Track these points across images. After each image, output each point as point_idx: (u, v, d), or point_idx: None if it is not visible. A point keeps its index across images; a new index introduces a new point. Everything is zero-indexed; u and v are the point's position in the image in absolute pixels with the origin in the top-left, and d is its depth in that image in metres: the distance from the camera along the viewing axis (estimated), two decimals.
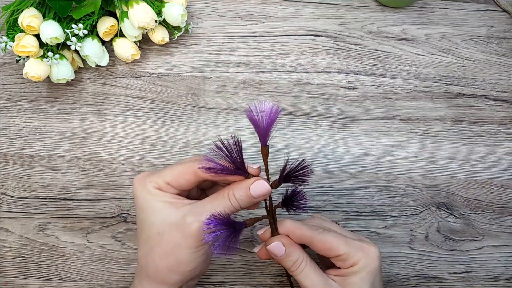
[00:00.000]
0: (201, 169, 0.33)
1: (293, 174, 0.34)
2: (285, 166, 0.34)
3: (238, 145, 0.32)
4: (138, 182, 0.35)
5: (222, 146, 0.32)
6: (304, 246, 0.37)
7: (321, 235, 0.35)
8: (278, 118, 0.32)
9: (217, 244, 0.31)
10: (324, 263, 0.40)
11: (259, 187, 0.33)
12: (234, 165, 0.32)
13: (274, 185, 0.34)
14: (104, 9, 0.47)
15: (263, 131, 0.32)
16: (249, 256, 0.47)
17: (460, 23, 0.53)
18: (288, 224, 0.36)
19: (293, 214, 0.35)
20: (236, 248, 0.32)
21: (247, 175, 0.33)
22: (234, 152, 0.32)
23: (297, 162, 0.33)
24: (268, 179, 0.34)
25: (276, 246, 0.35)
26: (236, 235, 0.32)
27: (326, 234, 0.35)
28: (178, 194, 0.35)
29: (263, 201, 0.35)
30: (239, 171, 0.33)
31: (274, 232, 0.37)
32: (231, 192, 0.34)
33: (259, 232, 0.37)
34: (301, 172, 0.33)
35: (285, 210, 0.36)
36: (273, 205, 0.36)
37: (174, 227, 0.33)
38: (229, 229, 0.31)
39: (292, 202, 0.34)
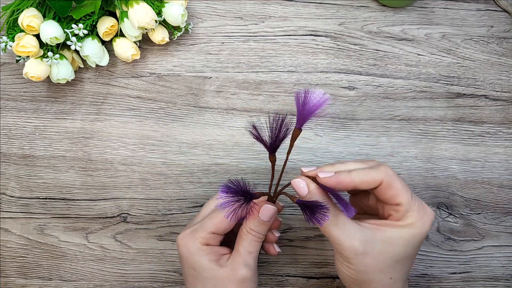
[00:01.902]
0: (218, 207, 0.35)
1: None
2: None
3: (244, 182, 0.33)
4: (185, 242, 0.37)
5: (231, 185, 0.33)
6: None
7: (392, 178, 0.34)
8: (322, 107, 0.33)
9: (230, 212, 0.33)
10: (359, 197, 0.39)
11: (265, 211, 0.36)
12: (245, 196, 0.34)
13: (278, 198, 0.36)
14: (104, 9, 0.47)
15: (303, 114, 0.33)
16: None
17: (460, 23, 0.53)
18: (353, 173, 0.34)
19: (309, 222, 0.33)
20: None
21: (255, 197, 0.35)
22: (243, 187, 0.33)
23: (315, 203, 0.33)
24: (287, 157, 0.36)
25: (300, 183, 0.34)
26: (248, 203, 0.33)
27: (395, 179, 0.34)
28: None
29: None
30: (250, 198, 0.34)
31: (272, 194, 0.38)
32: (248, 228, 0.36)
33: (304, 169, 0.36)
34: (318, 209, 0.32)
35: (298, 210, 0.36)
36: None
37: (226, 279, 0.36)
38: (243, 198, 0.33)
39: (313, 210, 0.32)
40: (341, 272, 0.35)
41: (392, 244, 0.34)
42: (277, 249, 0.40)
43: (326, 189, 0.34)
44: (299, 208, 0.34)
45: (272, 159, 0.36)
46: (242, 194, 0.33)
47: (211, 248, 0.37)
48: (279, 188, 0.37)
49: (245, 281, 0.36)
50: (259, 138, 0.34)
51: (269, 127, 0.33)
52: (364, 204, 0.39)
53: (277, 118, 0.33)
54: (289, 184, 0.36)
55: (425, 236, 0.35)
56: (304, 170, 0.36)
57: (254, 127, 0.34)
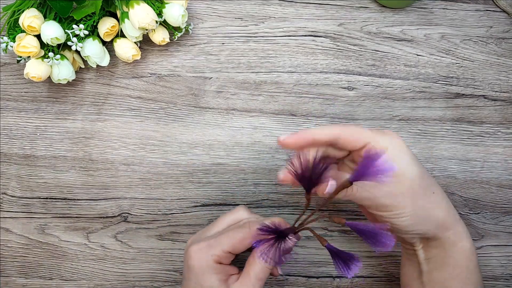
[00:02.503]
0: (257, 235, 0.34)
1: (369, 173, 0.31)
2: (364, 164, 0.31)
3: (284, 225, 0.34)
4: (199, 256, 0.36)
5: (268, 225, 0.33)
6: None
7: (345, 127, 0.35)
8: (382, 176, 0.30)
9: (265, 253, 0.32)
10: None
11: (288, 243, 0.35)
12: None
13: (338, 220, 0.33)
14: (104, 10, 0.48)
15: (364, 173, 0.30)
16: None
17: (459, 24, 0.53)
18: (311, 129, 0.35)
19: (338, 271, 0.33)
20: (285, 258, 0.34)
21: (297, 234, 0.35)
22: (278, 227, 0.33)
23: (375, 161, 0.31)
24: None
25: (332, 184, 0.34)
26: (283, 241, 0.33)
27: (349, 125, 0.35)
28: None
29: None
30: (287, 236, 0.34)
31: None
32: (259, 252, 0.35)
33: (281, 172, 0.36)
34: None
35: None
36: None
37: None
38: (276, 236, 0.32)
39: (344, 259, 0.32)
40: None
41: (400, 171, 0.34)
42: (280, 272, 0.40)
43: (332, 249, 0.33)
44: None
45: (308, 197, 0.33)
46: (276, 232, 0.32)
47: (222, 267, 0.36)
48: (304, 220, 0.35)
49: None
50: (300, 177, 0.32)
51: (305, 165, 0.31)
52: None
53: (315, 157, 0.31)
54: (315, 219, 0.34)
55: (407, 147, 0.35)
56: (280, 138, 0.35)
57: (293, 163, 0.31)
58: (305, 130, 0.35)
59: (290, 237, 0.34)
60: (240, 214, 0.39)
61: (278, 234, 0.32)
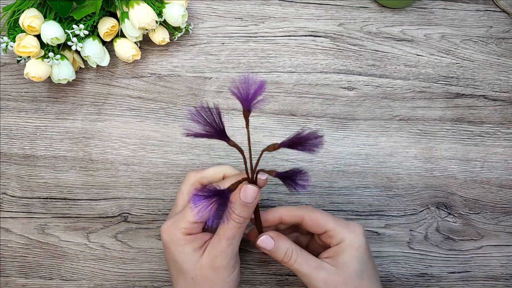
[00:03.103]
0: (185, 133, 0.33)
1: (303, 141, 0.33)
2: (298, 133, 0.33)
3: (218, 112, 0.33)
4: (167, 233, 0.37)
5: (203, 112, 0.32)
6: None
7: (310, 212, 0.39)
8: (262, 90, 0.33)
9: (212, 218, 0.32)
10: (314, 251, 0.41)
11: (248, 192, 0.35)
12: (215, 130, 0.33)
13: (273, 148, 0.34)
14: (104, 10, 0.48)
15: (247, 100, 0.33)
16: (249, 256, 0.47)
17: (459, 24, 0.53)
18: (280, 208, 0.39)
19: (292, 191, 0.34)
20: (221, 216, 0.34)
21: (228, 140, 0.34)
22: (216, 118, 0.33)
23: (309, 132, 0.33)
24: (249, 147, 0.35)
25: (265, 240, 0.38)
26: (225, 202, 0.32)
27: (315, 211, 0.39)
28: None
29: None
30: (220, 136, 0.33)
31: (259, 226, 0.39)
32: (230, 211, 0.35)
33: (246, 232, 0.39)
34: (311, 141, 0.33)
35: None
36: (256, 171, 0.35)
37: (204, 268, 0.36)
38: (218, 198, 0.32)
39: (292, 178, 0.33)
40: None
41: (345, 265, 0.37)
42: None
43: None
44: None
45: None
46: (216, 194, 0.32)
47: (194, 236, 0.37)
48: (254, 165, 0.35)
49: (224, 269, 0.36)
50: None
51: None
52: (316, 246, 0.42)
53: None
54: (261, 155, 0.35)
55: (366, 244, 0.38)
56: (247, 232, 0.41)
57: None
58: (273, 211, 0.40)
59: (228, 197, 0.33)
60: (191, 179, 0.40)
61: (214, 195, 0.32)
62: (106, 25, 0.47)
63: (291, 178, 0.33)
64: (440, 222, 0.48)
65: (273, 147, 0.34)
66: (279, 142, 0.34)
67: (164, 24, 0.49)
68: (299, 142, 0.33)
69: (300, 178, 0.33)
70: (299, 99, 0.51)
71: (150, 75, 0.51)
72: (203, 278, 0.36)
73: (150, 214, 0.48)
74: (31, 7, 0.45)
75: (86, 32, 0.46)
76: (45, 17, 0.46)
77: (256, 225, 0.39)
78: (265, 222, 0.40)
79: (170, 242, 0.37)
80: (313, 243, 0.42)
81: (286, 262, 0.37)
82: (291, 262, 0.37)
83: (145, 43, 0.51)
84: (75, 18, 0.45)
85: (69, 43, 0.45)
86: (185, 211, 0.37)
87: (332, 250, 0.38)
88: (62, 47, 0.47)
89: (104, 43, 0.49)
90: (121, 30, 0.48)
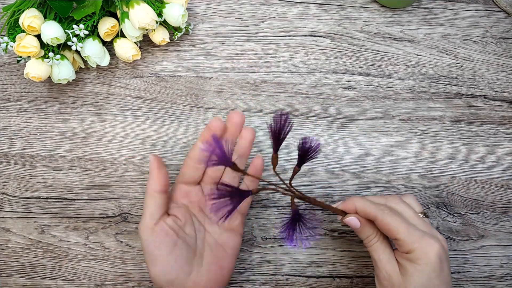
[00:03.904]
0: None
1: (308, 154, 0.36)
2: (301, 148, 0.36)
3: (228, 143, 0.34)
4: (141, 228, 0.38)
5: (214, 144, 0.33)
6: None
7: (384, 215, 0.37)
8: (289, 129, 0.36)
9: (225, 215, 0.33)
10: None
11: (351, 222, 0.39)
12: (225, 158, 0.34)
13: (295, 172, 0.37)
14: (104, 10, 0.48)
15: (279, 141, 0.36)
16: (249, 256, 0.47)
17: (459, 24, 0.53)
18: (356, 201, 0.39)
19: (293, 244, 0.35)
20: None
21: (231, 164, 0.34)
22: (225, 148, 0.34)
23: (309, 142, 0.36)
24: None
25: (353, 220, 0.39)
26: (240, 201, 0.34)
27: (389, 216, 0.37)
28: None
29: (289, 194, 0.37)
30: (227, 163, 0.34)
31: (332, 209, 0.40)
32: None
33: (336, 205, 0.40)
34: (312, 150, 0.36)
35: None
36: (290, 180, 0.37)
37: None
38: (235, 197, 0.33)
39: (307, 158, 0.36)
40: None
41: (408, 275, 0.36)
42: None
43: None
44: (299, 209, 0.35)
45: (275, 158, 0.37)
46: (235, 194, 0.33)
47: (165, 219, 0.39)
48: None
49: (153, 230, 0.38)
50: (276, 134, 0.36)
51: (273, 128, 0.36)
52: None
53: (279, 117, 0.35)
54: (292, 177, 0.37)
55: (439, 262, 0.35)
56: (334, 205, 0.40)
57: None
58: (348, 201, 0.39)
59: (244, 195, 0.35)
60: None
61: (234, 195, 0.33)
62: (106, 25, 0.47)
63: (306, 159, 0.36)
64: (440, 222, 0.48)
65: (295, 172, 0.37)
66: (296, 166, 0.37)
67: (164, 24, 0.49)
68: (306, 155, 0.36)
69: (311, 154, 0.36)
70: (299, 99, 0.51)
71: (150, 75, 0.51)
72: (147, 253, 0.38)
73: None
74: (31, 7, 0.45)
75: (86, 32, 0.46)
76: (45, 17, 0.46)
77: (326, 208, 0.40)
78: (343, 209, 0.40)
79: (145, 234, 0.38)
80: None
81: (366, 244, 0.39)
82: (369, 244, 0.38)
83: (145, 43, 0.51)
84: (75, 18, 0.45)
85: (69, 43, 0.45)
86: (146, 203, 0.39)
87: (406, 255, 0.37)
88: (62, 47, 0.47)
89: (104, 43, 0.49)
90: (121, 30, 0.48)
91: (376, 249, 0.38)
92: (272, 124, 0.35)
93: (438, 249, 0.35)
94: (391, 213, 0.37)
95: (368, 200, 0.38)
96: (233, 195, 0.33)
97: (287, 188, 0.36)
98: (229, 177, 0.43)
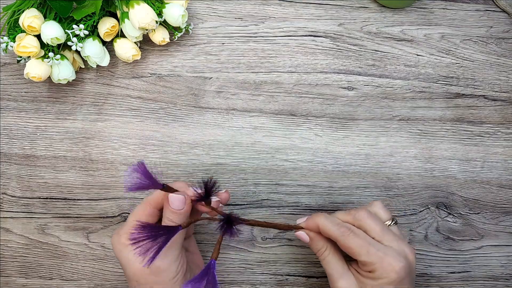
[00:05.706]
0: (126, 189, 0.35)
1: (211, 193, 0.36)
2: (205, 187, 0.36)
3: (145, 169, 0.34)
4: (114, 240, 0.38)
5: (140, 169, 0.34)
6: None
7: (344, 237, 0.37)
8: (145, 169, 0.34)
9: (151, 255, 0.32)
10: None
11: (174, 199, 0.37)
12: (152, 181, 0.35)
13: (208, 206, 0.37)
14: (104, 10, 0.48)
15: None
16: (249, 256, 0.47)
17: (459, 24, 0.53)
18: (319, 220, 0.38)
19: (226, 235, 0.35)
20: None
21: (161, 187, 0.35)
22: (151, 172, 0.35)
23: (208, 182, 0.36)
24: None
25: (302, 235, 0.39)
26: (169, 239, 0.33)
27: (350, 238, 0.37)
28: None
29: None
30: (156, 186, 0.35)
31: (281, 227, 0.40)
32: (165, 219, 0.37)
33: (298, 221, 0.41)
34: (214, 189, 0.36)
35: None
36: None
37: (146, 274, 0.36)
38: (159, 235, 0.32)
39: (210, 196, 0.36)
40: None
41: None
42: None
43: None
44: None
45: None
46: (158, 231, 0.32)
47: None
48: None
49: (165, 273, 0.36)
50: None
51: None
52: None
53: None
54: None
55: (399, 281, 0.36)
56: (298, 221, 0.41)
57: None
58: (311, 218, 0.39)
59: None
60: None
61: (158, 233, 0.32)
62: (106, 25, 0.47)
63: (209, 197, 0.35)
64: (440, 222, 0.48)
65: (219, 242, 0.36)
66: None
67: (164, 24, 0.49)
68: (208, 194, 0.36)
69: (215, 192, 0.35)
70: (299, 99, 0.51)
71: (150, 75, 0.51)
72: (146, 282, 0.36)
73: None
74: (31, 7, 0.45)
75: (86, 32, 0.46)
76: (45, 17, 0.46)
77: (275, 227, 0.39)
78: (306, 227, 0.40)
79: (114, 247, 0.37)
80: None
81: (319, 257, 0.39)
82: (321, 257, 0.39)
83: (145, 43, 0.51)
84: (75, 18, 0.45)
85: (69, 43, 0.45)
86: (128, 218, 0.38)
87: (363, 273, 0.38)
88: (62, 47, 0.47)
89: (104, 43, 0.49)
90: (121, 30, 0.48)
91: (328, 263, 0.39)
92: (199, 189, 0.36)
93: (399, 268, 0.36)
94: (352, 235, 0.37)
95: (331, 219, 0.38)
96: (156, 235, 0.32)
97: (227, 214, 0.35)
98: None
